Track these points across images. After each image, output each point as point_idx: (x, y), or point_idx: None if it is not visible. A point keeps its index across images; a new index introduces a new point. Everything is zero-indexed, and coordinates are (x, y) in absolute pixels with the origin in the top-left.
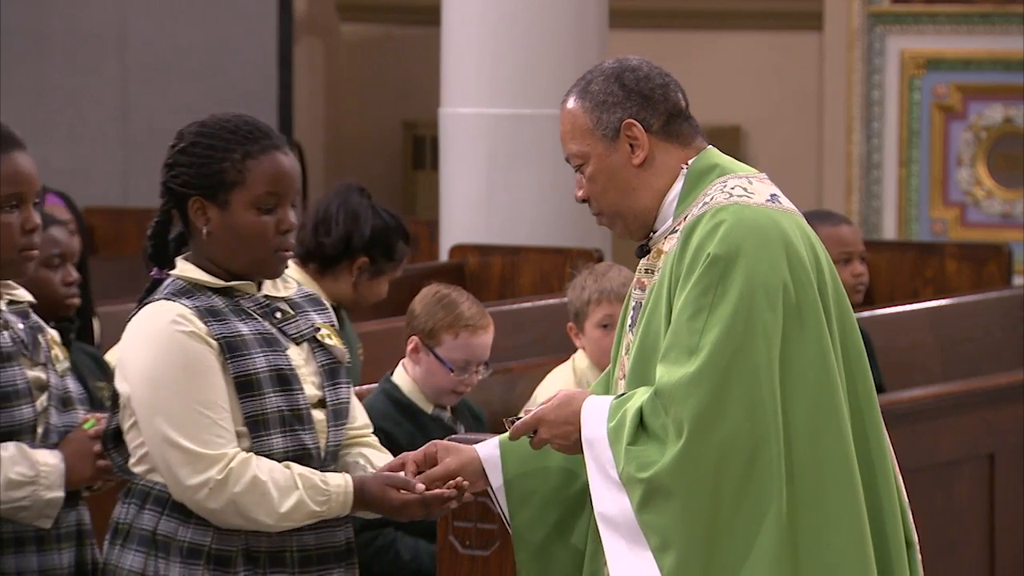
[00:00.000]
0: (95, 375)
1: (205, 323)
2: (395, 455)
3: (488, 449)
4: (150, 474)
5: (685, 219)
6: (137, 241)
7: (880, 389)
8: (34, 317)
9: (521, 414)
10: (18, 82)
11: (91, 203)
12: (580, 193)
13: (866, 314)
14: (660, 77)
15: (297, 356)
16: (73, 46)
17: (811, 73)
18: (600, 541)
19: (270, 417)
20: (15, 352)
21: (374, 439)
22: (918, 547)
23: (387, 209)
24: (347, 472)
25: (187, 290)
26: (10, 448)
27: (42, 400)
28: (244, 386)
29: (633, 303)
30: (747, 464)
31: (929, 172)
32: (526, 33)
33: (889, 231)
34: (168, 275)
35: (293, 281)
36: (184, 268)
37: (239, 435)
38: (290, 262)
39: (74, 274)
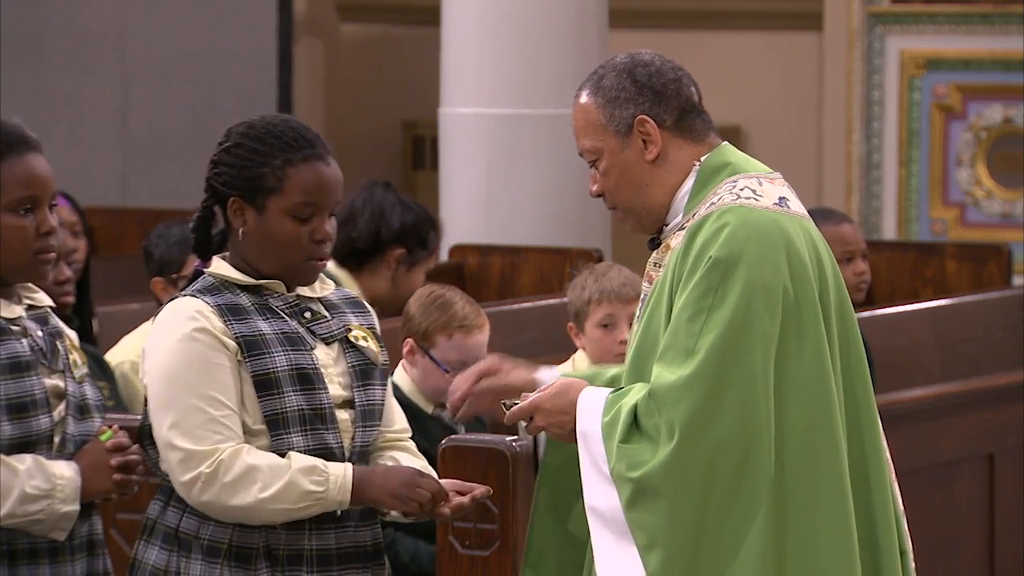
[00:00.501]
0: (95, 375)
1: (224, 321)
2: None
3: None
4: None
5: (694, 216)
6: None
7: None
8: (53, 321)
9: (519, 400)
10: (18, 82)
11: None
12: (595, 188)
13: (866, 314)
14: (672, 72)
15: (325, 356)
16: (73, 46)
17: (811, 73)
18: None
19: (290, 416)
20: (33, 361)
21: (411, 444)
22: (911, 554)
23: (414, 201)
24: None
25: (215, 287)
26: (27, 461)
27: (60, 410)
28: (263, 384)
29: (643, 295)
30: (737, 469)
31: (929, 172)
32: (526, 33)
33: (889, 231)
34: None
35: (331, 281)
36: (218, 265)
37: (258, 433)
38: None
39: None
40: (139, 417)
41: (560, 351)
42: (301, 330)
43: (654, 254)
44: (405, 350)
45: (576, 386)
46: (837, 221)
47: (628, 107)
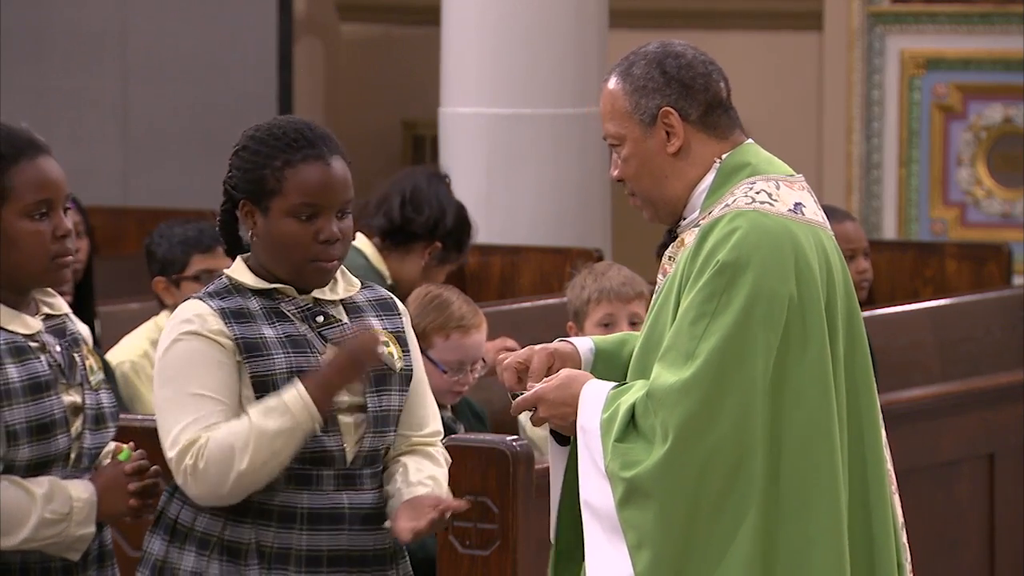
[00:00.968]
0: None
1: (226, 324)
2: None
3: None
4: None
5: (709, 215)
6: (137, 241)
7: None
8: (70, 328)
9: (524, 390)
10: (18, 82)
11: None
12: (615, 173)
13: (866, 314)
14: (703, 66)
15: None
16: (73, 46)
17: (811, 73)
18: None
19: None
20: (52, 380)
21: (434, 449)
22: (909, 567)
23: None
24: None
25: (226, 289)
26: (45, 485)
27: (77, 426)
28: (261, 386)
29: (656, 287)
30: (729, 475)
31: (929, 172)
32: (526, 33)
33: (889, 231)
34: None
35: (357, 281)
36: (235, 267)
37: None
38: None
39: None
40: (139, 417)
41: None
42: (310, 334)
43: (670, 247)
44: None
45: (580, 378)
46: (840, 219)
47: (654, 97)
